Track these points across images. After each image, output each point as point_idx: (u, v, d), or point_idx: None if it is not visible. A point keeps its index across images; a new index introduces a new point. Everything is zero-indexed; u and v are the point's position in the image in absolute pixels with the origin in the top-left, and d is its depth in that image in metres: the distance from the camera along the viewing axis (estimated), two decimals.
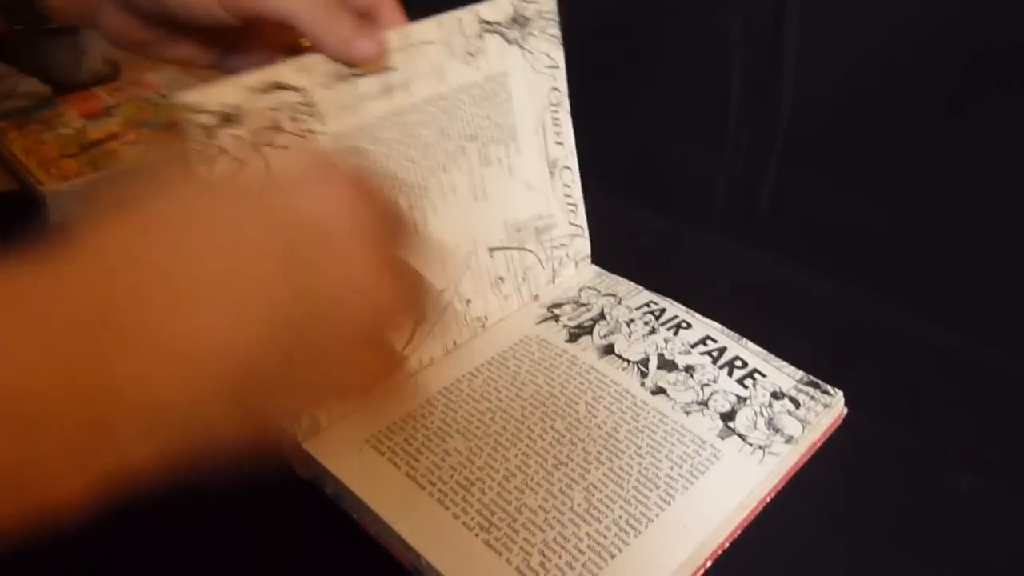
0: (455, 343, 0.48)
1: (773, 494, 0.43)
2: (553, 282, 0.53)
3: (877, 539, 0.42)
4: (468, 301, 0.49)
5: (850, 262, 0.59)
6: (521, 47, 0.49)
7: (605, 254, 0.56)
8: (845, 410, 0.47)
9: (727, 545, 0.40)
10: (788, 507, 0.43)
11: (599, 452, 0.41)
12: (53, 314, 0.22)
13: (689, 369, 0.46)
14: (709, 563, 0.39)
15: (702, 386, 0.45)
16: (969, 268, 0.56)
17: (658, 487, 0.40)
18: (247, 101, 0.36)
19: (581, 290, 0.52)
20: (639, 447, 0.42)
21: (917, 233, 0.58)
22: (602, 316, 0.50)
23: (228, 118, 0.36)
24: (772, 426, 0.43)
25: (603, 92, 0.69)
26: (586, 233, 0.55)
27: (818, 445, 0.45)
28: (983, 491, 0.44)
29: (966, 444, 0.46)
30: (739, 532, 0.41)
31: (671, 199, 0.65)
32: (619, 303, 0.51)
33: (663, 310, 0.50)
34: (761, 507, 0.42)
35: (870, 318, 0.55)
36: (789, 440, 0.43)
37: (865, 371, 0.49)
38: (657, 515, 0.39)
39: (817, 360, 0.48)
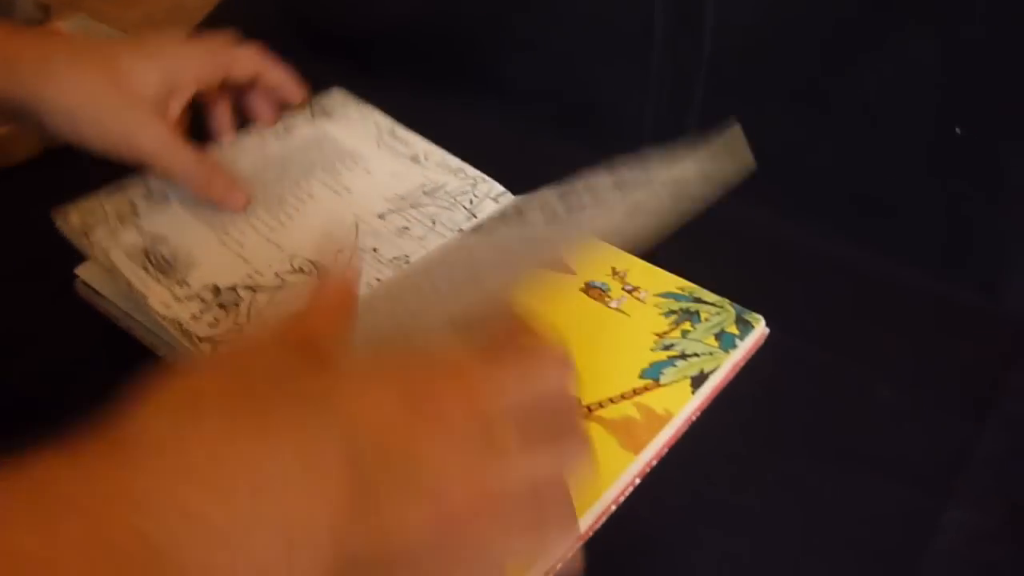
0: (377, 280, 0.49)
1: (699, 413, 0.43)
2: (475, 217, 0.53)
3: (805, 451, 0.43)
4: (375, 249, 0.50)
5: (773, 188, 0.59)
6: (327, 121, 0.59)
7: (532, 188, 0.55)
8: (767, 330, 0.47)
9: (655, 463, 0.41)
10: (716, 424, 0.44)
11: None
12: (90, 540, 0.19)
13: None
14: (638, 480, 0.40)
15: None
16: (888, 191, 0.56)
17: None
18: (103, 203, 0.51)
19: None
20: None
21: (837, 158, 0.58)
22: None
23: (91, 217, 0.50)
24: None
25: (525, 26, 0.68)
26: (488, 178, 0.56)
27: (741, 364, 0.46)
28: (904, 403, 0.45)
29: (886, 360, 0.48)
30: (667, 450, 0.41)
31: (599, 132, 0.65)
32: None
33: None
34: (687, 426, 0.43)
35: (791, 242, 0.56)
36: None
37: (786, 292, 0.50)
38: None
39: (740, 283, 0.48)
